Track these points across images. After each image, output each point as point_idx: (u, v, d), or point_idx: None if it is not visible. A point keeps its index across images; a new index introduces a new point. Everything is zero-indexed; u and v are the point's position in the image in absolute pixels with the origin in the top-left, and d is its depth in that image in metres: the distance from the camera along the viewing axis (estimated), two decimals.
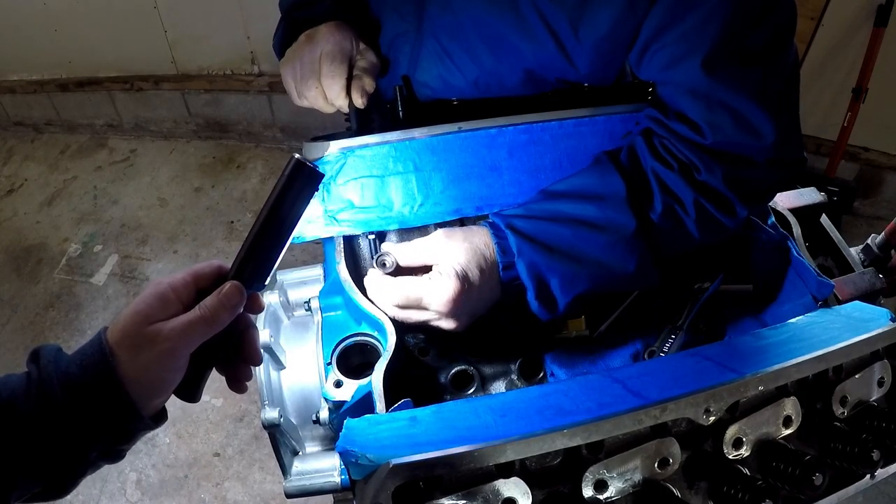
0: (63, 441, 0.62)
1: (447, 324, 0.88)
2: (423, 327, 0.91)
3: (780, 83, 0.89)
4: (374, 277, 0.90)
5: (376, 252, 1.00)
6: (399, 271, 0.90)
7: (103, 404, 0.62)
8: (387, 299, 0.88)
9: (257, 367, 0.88)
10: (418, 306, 0.87)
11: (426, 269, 0.89)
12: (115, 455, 0.67)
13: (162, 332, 0.65)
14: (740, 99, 0.87)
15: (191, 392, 0.71)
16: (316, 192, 0.74)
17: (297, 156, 0.72)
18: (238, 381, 0.75)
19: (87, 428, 0.62)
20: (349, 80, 1.03)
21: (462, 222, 1.01)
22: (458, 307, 0.86)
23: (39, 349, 0.66)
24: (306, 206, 0.74)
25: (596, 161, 0.95)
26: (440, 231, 0.92)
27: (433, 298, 0.86)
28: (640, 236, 0.89)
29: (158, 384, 0.65)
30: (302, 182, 0.72)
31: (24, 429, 0.61)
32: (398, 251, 0.91)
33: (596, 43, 0.92)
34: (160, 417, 0.70)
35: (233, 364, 0.75)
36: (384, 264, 0.90)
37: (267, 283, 0.75)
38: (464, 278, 0.86)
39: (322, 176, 0.73)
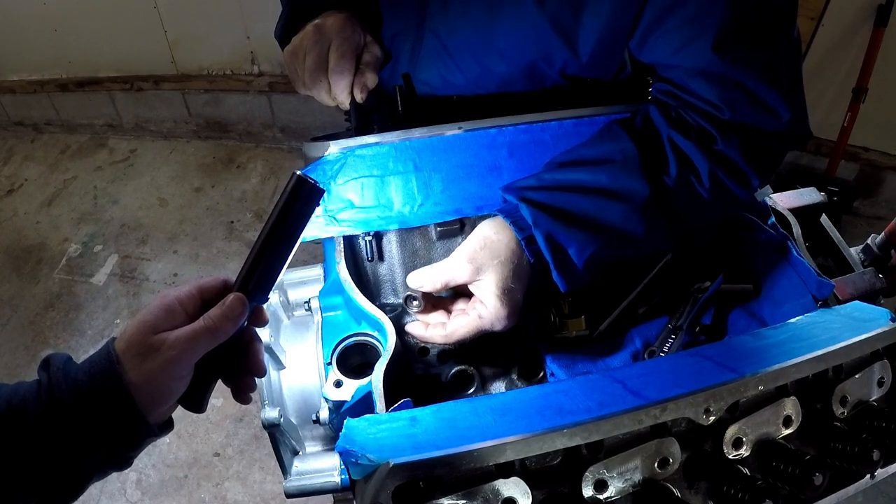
0: (70, 445, 0.63)
1: (501, 329, 0.90)
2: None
3: (788, 60, 0.90)
4: (424, 332, 0.90)
5: (372, 253, 1.00)
6: (428, 297, 0.91)
7: (110, 409, 0.64)
8: (441, 343, 0.91)
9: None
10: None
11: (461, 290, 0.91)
12: (123, 461, 0.68)
13: (167, 340, 0.66)
14: (753, 79, 0.88)
15: (196, 402, 0.73)
16: (317, 207, 0.76)
17: (298, 172, 0.73)
18: (242, 392, 0.76)
19: (94, 432, 0.64)
20: (354, 75, 1.02)
21: (462, 222, 1.01)
22: (511, 318, 0.88)
23: (50, 357, 0.68)
24: (307, 220, 0.75)
25: (605, 130, 0.95)
26: (462, 252, 0.89)
27: (489, 326, 0.88)
28: (653, 203, 0.89)
29: (163, 391, 0.67)
30: (303, 198, 0.73)
31: (34, 433, 0.62)
32: (422, 278, 0.90)
33: (598, 28, 0.92)
34: (166, 426, 0.71)
35: (237, 375, 0.76)
36: (414, 299, 0.90)
37: (270, 296, 0.76)
38: (505, 293, 0.86)
39: (323, 192, 0.75)
